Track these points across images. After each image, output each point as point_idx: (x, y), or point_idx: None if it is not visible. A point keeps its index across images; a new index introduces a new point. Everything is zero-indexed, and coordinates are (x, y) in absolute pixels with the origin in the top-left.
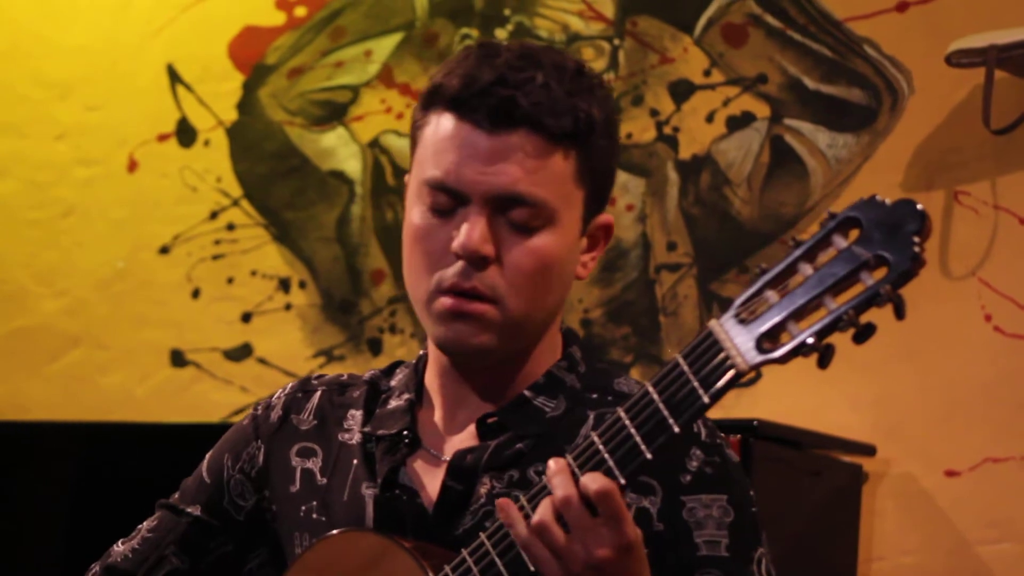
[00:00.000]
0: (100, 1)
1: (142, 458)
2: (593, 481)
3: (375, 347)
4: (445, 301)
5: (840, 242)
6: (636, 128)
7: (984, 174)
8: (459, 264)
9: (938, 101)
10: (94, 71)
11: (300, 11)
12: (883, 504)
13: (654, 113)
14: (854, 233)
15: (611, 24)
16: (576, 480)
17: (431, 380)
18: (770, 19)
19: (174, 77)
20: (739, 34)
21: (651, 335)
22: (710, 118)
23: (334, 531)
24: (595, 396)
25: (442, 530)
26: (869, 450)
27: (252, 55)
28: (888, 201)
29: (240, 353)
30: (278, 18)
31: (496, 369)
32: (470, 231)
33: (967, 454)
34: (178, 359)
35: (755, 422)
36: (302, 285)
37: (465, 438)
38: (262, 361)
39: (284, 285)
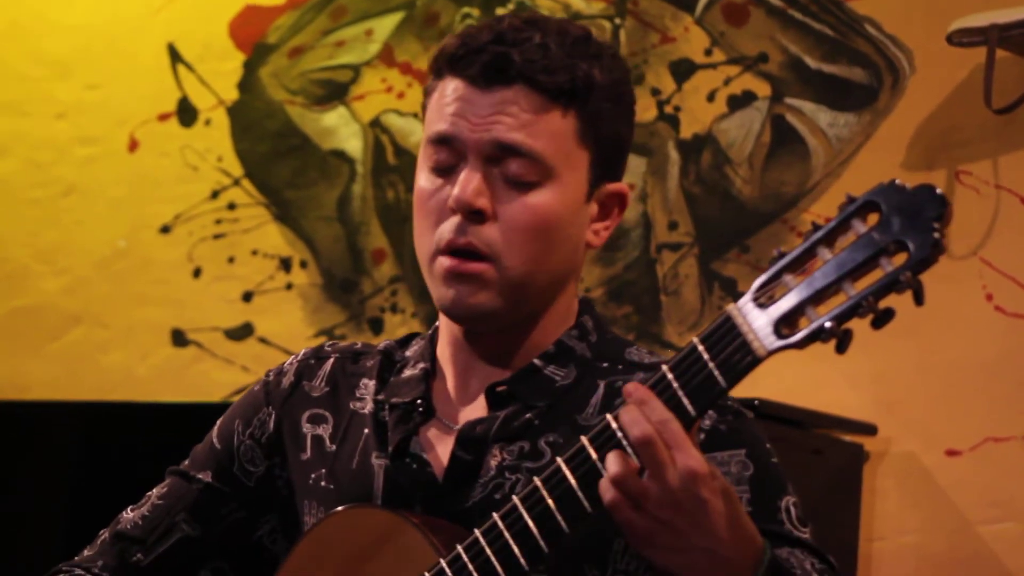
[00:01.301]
0: None
1: (143, 437)
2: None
3: (376, 326)
4: (444, 261)
5: (859, 227)
6: (637, 107)
7: (985, 153)
8: (456, 219)
9: (939, 80)
10: (94, 50)
11: None
12: (884, 483)
13: (655, 92)
14: (873, 218)
15: (612, 3)
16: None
17: (443, 350)
18: None
19: (175, 56)
20: (740, 13)
21: (652, 314)
22: (711, 97)
23: (342, 507)
24: (606, 365)
25: (451, 500)
26: (870, 429)
27: (253, 34)
28: (908, 186)
29: (241, 332)
30: None
31: (505, 337)
32: (464, 184)
33: (968, 434)
34: (179, 338)
35: (756, 401)
36: (303, 264)
37: (476, 407)
38: (263, 340)
39: (285, 264)
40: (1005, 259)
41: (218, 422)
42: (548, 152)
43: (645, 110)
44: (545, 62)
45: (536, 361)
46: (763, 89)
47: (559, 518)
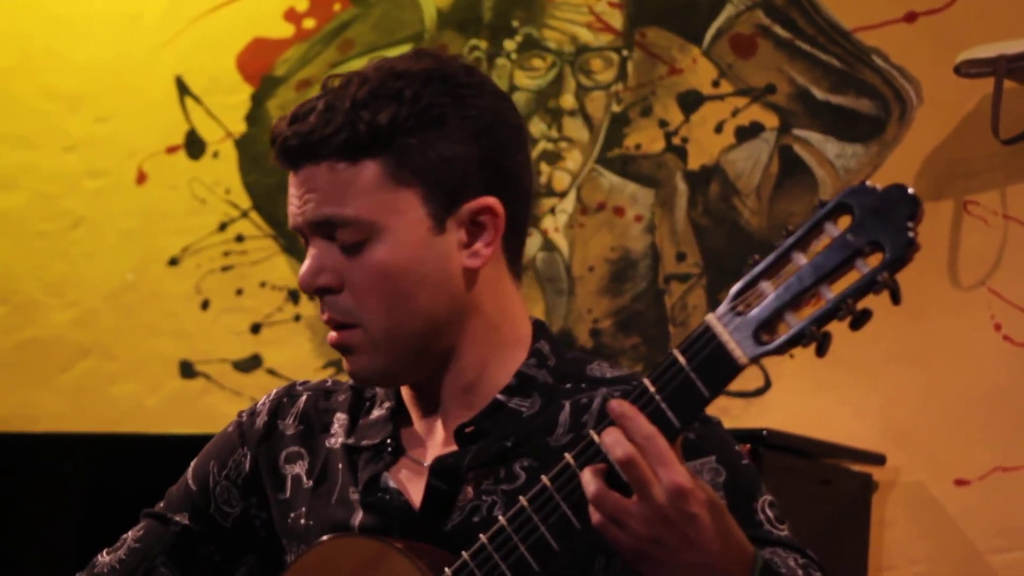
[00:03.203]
0: (109, 14)
1: (152, 469)
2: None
3: None
4: (328, 336)
5: (832, 230)
6: (645, 139)
7: (993, 184)
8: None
9: (947, 111)
10: (103, 84)
11: (308, 23)
12: (893, 513)
13: (663, 124)
14: (845, 220)
15: (620, 35)
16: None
17: (405, 391)
18: (779, 30)
19: (183, 89)
20: (748, 45)
21: (661, 345)
22: (719, 128)
23: (325, 537)
24: (569, 386)
25: (430, 526)
26: (879, 459)
27: (261, 67)
28: (879, 187)
29: (249, 364)
30: (286, 30)
31: (454, 378)
32: (302, 268)
33: (977, 463)
34: (187, 370)
35: (764, 431)
36: (311, 296)
37: (444, 445)
38: (271, 372)
39: (293, 296)
40: (1013, 289)
41: (192, 463)
42: (362, 211)
43: (653, 141)
44: (325, 130)
45: (499, 396)
46: (771, 120)
47: (548, 537)
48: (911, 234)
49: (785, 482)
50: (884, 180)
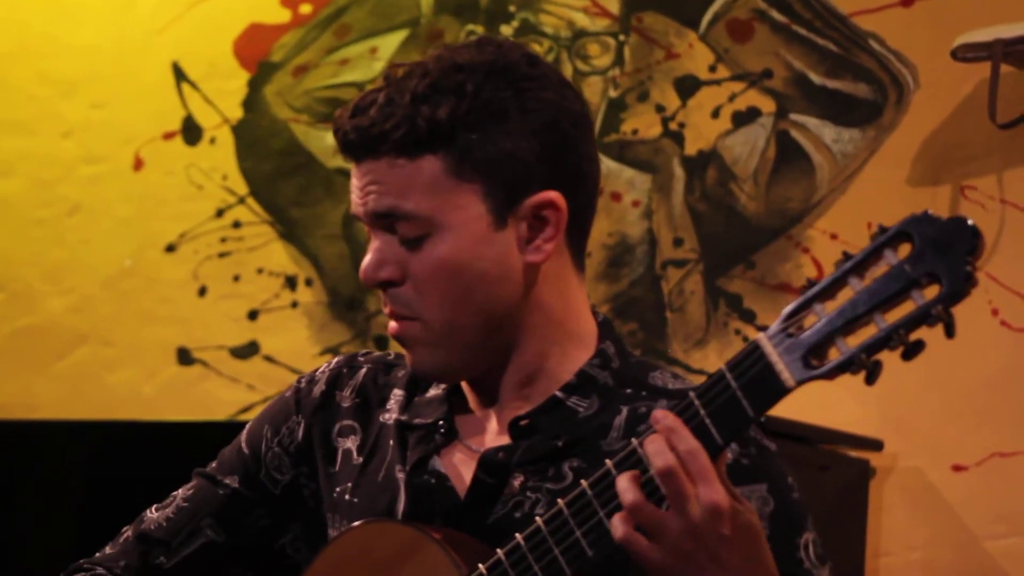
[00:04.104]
0: (105, 0)
1: (149, 456)
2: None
3: (382, 344)
4: (389, 326)
5: (891, 257)
6: (642, 124)
7: (990, 168)
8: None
9: (944, 95)
10: (100, 69)
11: (305, 8)
12: (891, 499)
13: (660, 109)
14: (905, 248)
15: (616, 20)
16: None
17: None
18: (775, 14)
19: (179, 75)
20: (744, 29)
21: (658, 331)
22: (716, 113)
23: (361, 521)
24: (629, 391)
25: (472, 516)
26: (876, 445)
27: (257, 53)
28: (941, 217)
29: (247, 351)
30: (283, 15)
31: (516, 370)
32: (364, 262)
33: (974, 449)
34: (185, 357)
35: (762, 417)
36: (308, 283)
37: (498, 435)
38: (269, 359)
39: (290, 283)
40: (1010, 274)
41: (248, 425)
42: (423, 206)
43: (650, 127)
44: (384, 124)
45: (558, 393)
46: (768, 105)
47: (582, 541)
48: (969, 268)
49: None
50: (881, 165)
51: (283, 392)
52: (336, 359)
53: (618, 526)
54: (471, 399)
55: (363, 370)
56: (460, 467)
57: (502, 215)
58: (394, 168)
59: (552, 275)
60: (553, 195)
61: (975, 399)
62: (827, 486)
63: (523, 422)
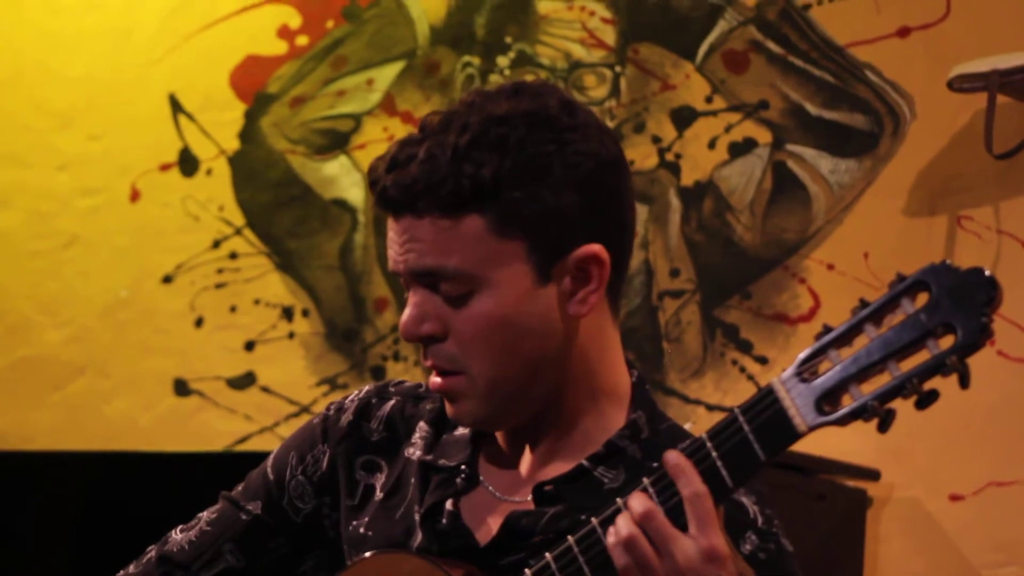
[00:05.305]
0: (102, 31)
1: (146, 487)
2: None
3: (379, 375)
4: (432, 379)
5: (908, 306)
6: (638, 155)
7: (987, 199)
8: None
9: (940, 126)
10: (96, 101)
11: (302, 40)
12: (888, 529)
13: (656, 140)
14: (922, 298)
15: (613, 51)
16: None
17: None
18: (771, 45)
19: (176, 106)
20: (740, 60)
21: (655, 362)
22: (712, 144)
23: (370, 553)
24: (656, 465)
25: (488, 561)
26: (873, 475)
27: (254, 84)
28: (960, 268)
29: (243, 382)
30: (280, 47)
31: (552, 422)
32: (403, 317)
33: (971, 478)
34: (181, 388)
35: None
36: (305, 313)
37: (522, 488)
38: (265, 390)
39: (287, 314)
40: (1008, 304)
41: (275, 450)
42: (467, 264)
43: (646, 157)
44: (427, 182)
45: (585, 463)
46: (764, 136)
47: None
48: (985, 319)
49: (780, 497)
50: (877, 195)
51: (312, 419)
52: (367, 388)
53: (623, 556)
54: (500, 441)
55: (392, 401)
56: (481, 511)
57: (546, 271)
58: (436, 226)
59: (592, 327)
60: (596, 248)
61: (972, 429)
62: (824, 516)
63: (548, 487)
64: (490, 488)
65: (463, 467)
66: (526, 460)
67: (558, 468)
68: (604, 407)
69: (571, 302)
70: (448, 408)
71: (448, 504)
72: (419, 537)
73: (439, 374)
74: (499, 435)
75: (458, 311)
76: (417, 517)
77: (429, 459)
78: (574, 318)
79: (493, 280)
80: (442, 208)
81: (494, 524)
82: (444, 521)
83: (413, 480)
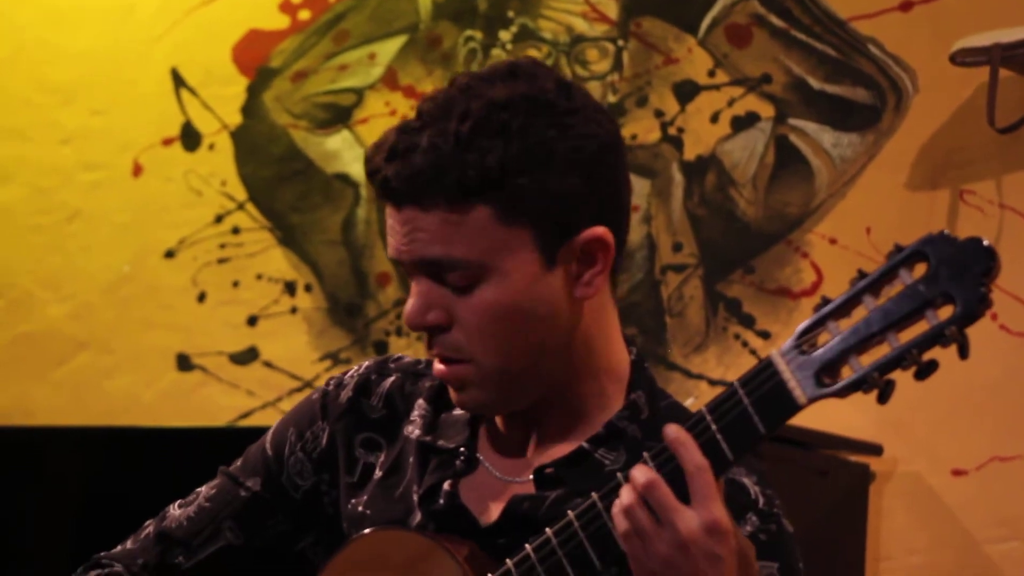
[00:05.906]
0: (104, 6)
1: (149, 462)
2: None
3: (381, 350)
4: (436, 367)
5: (906, 277)
6: (641, 129)
7: (989, 173)
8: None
9: (943, 100)
10: (98, 76)
11: (304, 14)
12: (890, 503)
13: (659, 114)
14: (920, 268)
15: (615, 25)
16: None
17: None
18: (774, 19)
19: (178, 81)
20: (743, 34)
21: (657, 336)
22: (715, 119)
23: (368, 530)
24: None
25: (488, 540)
26: (876, 450)
27: (256, 59)
28: (958, 238)
29: (246, 357)
30: (282, 21)
31: (556, 404)
32: (408, 307)
33: (974, 453)
34: (184, 363)
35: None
36: (308, 288)
37: (522, 469)
38: (268, 365)
39: (290, 288)
40: (1010, 278)
41: (274, 425)
42: (472, 253)
43: (649, 132)
44: (430, 173)
45: (585, 445)
46: (766, 110)
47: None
48: (984, 289)
49: (782, 473)
50: (880, 169)
51: (311, 395)
52: (366, 364)
53: (624, 522)
54: (499, 421)
55: (392, 378)
56: (482, 492)
57: (552, 256)
58: (441, 216)
59: (595, 307)
60: (601, 231)
61: (975, 403)
62: (827, 491)
63: (548, 470)
64: (490, 469)
65: (462, 449)
66: (526, 440)
67: (559, 450)
68: (605, 386)
69: (577, 285)
70: (453, 395)
71: (446, 485)
72: (418, 517)
73: (444, 362)
74: (501, 422)
75: (464, 300)
76: (415, 497)
77: (428, 440)
78: (579, 300)
79: (500, 268)
80: (448, 198)
81: (495, 506)
82: (442, 502)
83: (412, 459)
